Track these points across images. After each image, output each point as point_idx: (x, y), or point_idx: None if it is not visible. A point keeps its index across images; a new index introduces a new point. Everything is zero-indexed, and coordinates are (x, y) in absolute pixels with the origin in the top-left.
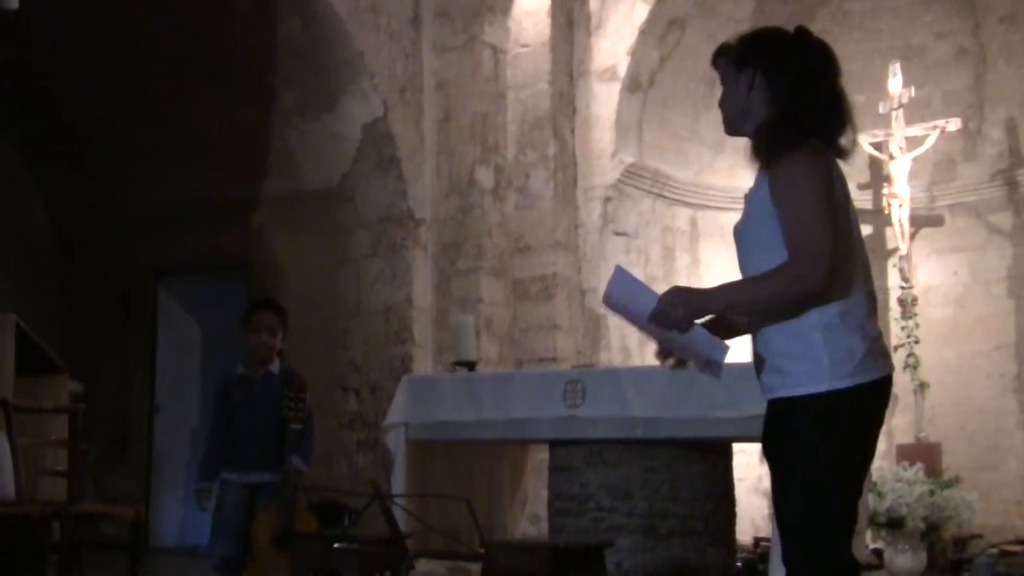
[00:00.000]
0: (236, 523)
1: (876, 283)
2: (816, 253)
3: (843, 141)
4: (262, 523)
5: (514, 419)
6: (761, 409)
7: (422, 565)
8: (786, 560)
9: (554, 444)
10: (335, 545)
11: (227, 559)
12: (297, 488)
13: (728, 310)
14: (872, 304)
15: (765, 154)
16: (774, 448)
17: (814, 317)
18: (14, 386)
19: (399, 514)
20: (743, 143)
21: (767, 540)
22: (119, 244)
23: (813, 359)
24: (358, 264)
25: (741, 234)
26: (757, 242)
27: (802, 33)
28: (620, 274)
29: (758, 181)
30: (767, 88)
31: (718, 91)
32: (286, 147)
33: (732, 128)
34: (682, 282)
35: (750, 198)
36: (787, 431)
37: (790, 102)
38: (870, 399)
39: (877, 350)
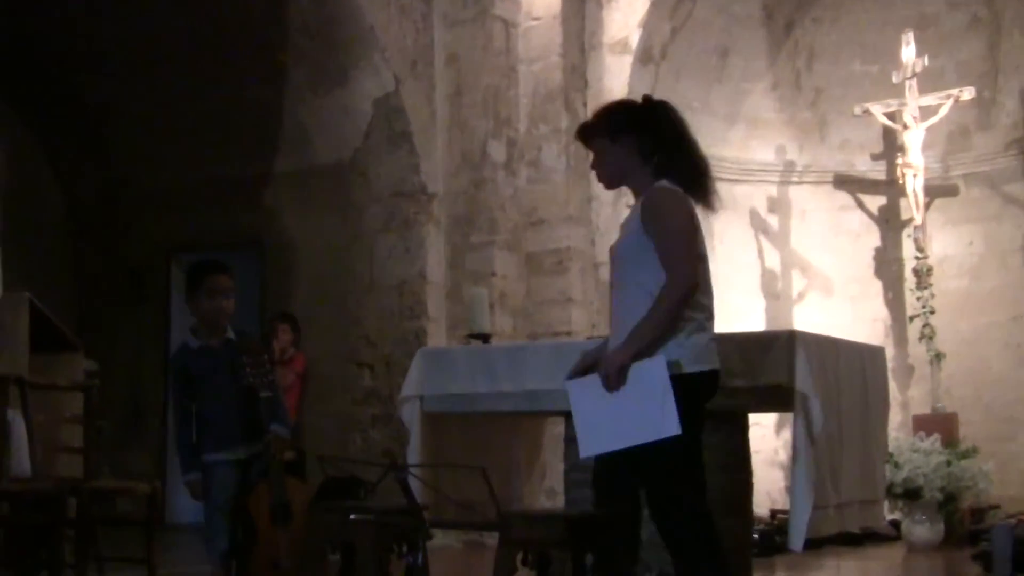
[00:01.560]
0: (231, 509)
1: (891, 254)
2: (686, 272)
3: (703, 181)
4: (260, 500)
5: (529, 391)
6: (777, 378)
7: (437, 539)
8: None
9: (570, 415)
10: (351, 516)
11: (226, 554)
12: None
13: (650, 343)
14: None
15: (639, 194)
16: None
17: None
18: (29, 364)
19: (415, 486)
20: (757, 115)
21: (784, 512)
22: (132, 222)
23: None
24: (371, 239)
25: (620, 255)
26: (634, 262)
27: (654, 101)
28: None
29: (636, 213)
30: (638, 149)
31: (730, 62)
32: (298, 123)
33: (613, 185)
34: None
35: (628, 225)
36: None
37: (658, 156)
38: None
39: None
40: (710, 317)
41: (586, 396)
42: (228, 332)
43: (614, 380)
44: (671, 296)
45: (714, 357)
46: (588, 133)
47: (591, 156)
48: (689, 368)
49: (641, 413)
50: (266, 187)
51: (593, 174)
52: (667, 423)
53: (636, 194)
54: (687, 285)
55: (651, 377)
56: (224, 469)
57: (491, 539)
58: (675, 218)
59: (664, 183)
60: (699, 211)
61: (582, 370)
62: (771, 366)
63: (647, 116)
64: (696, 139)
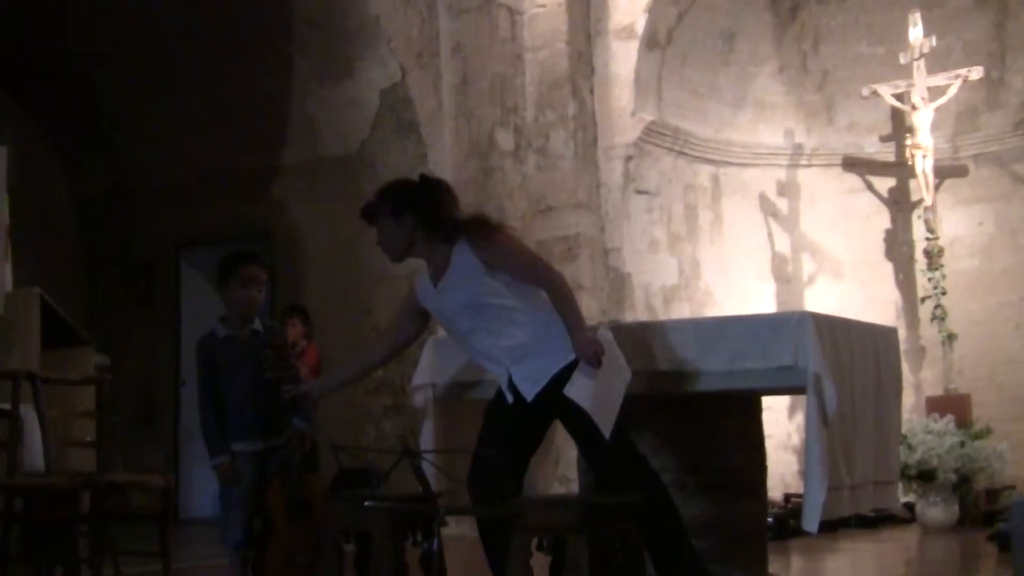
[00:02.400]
0: (248, 500)
1: (902, 235)
2: (555, 273)
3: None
4: (277, 494)
5: None
6: (789, 359)
7: (452, 528)
8: None
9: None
10: (365, 504)
11: (240, 544)
12: (305, 452)
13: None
14: None
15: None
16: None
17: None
18: (40, 360)
19: (429, 474)
20: (765, 98)
21: (798, 496)
22: (141, 216)
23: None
24: None
25: (466, 306)
26: (487, 301)
27: (426, 179)
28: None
29: (463, 266)
30: (422, 220)
31: (736, 46)
32: (305, 115)
33: (400, 257)
34: (705, 239)
35: (455, 280)
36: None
37: (440, 220)
38: None
39: None
40: None
41: (584, 390)
42: (255, 324)
43: (600, 356)
44: (564, 289)
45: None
46: (371, 212)
47: (600, 140)
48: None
49: (617, 369)
50: (275, 179)
51: (602, 156)
52: (625, 368)
53: (429, 261)
54: (563, 279)
55: (608, 343)
56: (242, 460)
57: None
58: (513, 243)
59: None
60: (707, 198)
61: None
62: (783, 347)
63: (424, 192)
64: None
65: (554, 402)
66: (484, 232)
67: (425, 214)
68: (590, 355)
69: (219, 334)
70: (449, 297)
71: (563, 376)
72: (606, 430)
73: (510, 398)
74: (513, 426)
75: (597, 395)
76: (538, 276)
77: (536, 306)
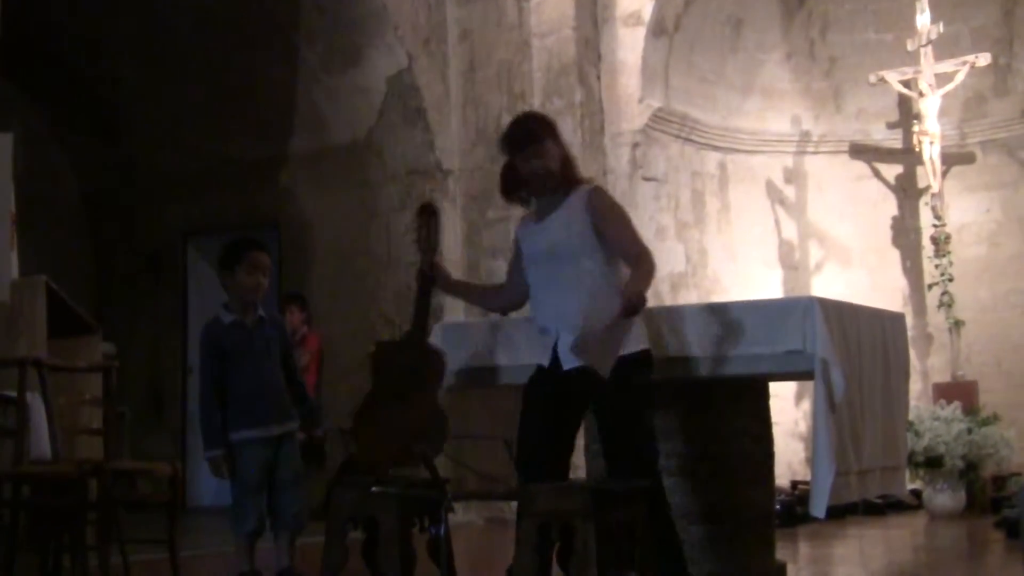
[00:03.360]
0: (264, 482)
1: (909, 222)
2: (648, 252)
3: None
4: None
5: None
6: (797, 345)
7: (459, 516)
8: None
9: None
10: (372, 490)
11: (253, 532)
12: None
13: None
14: None
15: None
16: None
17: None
18: (47, 348)
19: (437, 460)
20: (772, 85)
21: (805, 483)
22: (148, 205)
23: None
24: (387, 217)
25: (568, 248)
26: (582, 253)
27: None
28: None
29: (566, 209)
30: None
31: (744, 33)
32: (312, 103)
33: (552, 183)
34: (712, 226)
35: (562, 219)
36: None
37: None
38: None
39: None
40: None
41: (592, 345)
42: (260, 310)
43: (638, 308)
44: (651, 267)
45: None
46: (534, 134)
47: (607, 127)
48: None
49: (635, 335)
50: (282, 168)
51: (609, 142)
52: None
53: (542, 197)
54: (653, 262)
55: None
56: (255, 447)
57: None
58: (623, 209)
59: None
60: (714, 185)
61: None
62: (791, 333)
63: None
64: None
65: (589, 382)
66: (603, 191)
67: (565, 148)
68: (635, 300)
69: (225, 321)
70: (544, 235)
71: (616, 364)
72: (603, 372)
73: (546, 363)
74: (553, 407)
75: (603, 348)
76: (636, 248)
77: (613, 286)
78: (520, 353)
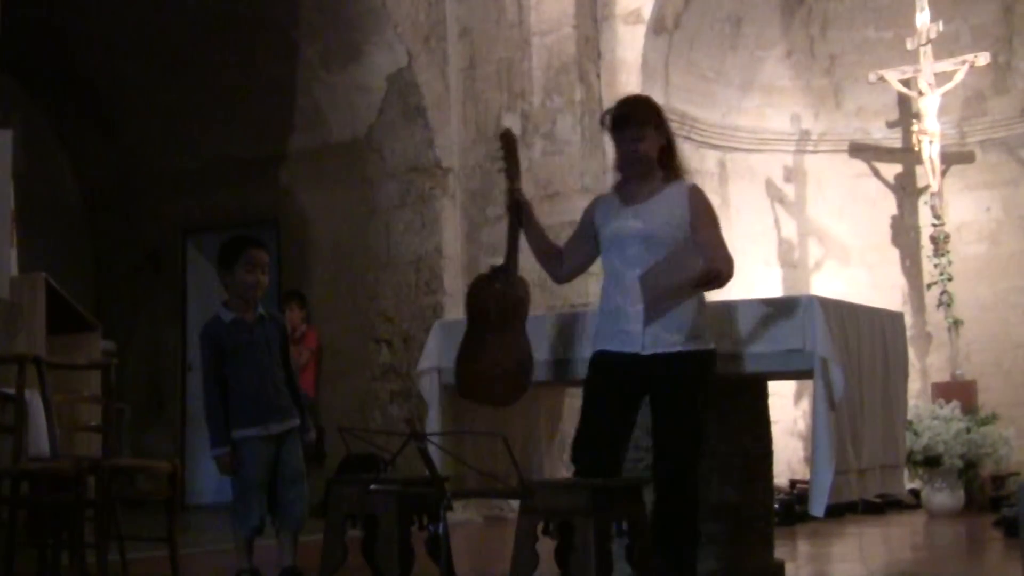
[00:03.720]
0: (266, 479)
1: (908, 221)
2: (729, 262)
3: None
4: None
5: (548, 360)
6: (797, 343)
7: (458, 514)
8: None
9: None
10: (371, 487)
11: (255, 530)
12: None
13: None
14: None
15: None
16: None
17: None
18: (46, 345)
19: (436, 457)
20: (772, 83)
21: (804, 482)
22: (147, 202)
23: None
24: (387, 215)
25: (657, 236)
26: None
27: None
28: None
29: (665, 198)
30: (664, 142)
31: (744, 31)
32: (311, 100)
33: (642, 171)
34: None
35: (660, 207)
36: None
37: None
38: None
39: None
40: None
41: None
42: (260, 308)
43: (710, 281)
44: (727, 271)
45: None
46: (634, 117)
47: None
48: (709, 346)
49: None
50: (281, 165)
51: (609, 141)
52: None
53: (635, 182)
54: (729, 274)
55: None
56: (257, 444)
57: (512, 513)
58: (713, 210)
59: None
60: (714, 183)
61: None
62: (791, 331)
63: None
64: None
65: (658, 372)
66: (701, 191)
67: (671, 136)
68: (714, 271)
69: (225, 318)
70: (638, 220)
71: (686, 356)
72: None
73: (615, 348)
74: (619, 396)
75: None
76: (721, 252)
77: None
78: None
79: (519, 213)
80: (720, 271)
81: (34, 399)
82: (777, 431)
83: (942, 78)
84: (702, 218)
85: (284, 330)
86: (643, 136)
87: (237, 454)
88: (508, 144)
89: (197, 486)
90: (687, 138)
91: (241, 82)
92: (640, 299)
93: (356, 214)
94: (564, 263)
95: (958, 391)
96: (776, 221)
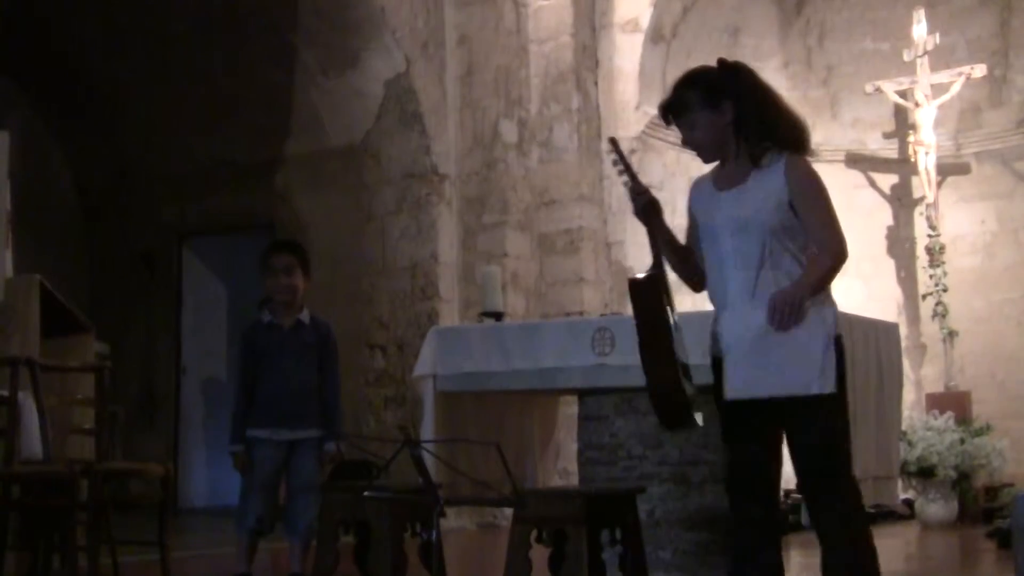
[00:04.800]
0: (270, 482)
1: (903, 232)
2: (839, 244)
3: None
4: None
5: (543, 368)
6: None
7: (451, 521)
8: None
9: (584, 393)
10: (365, 494)
11: (261, 518)
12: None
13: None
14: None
15: (758, 159)
16: None
17: None
18: (40, 347)
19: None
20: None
21: (798, 493)
22: (142, 205)
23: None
24: (383, 221)
25: (752, 224)
26: (782, 231)
27: (730, 63)
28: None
29: (761, 179)
30: (740, 115)
31: (742, 41)
32: (309, 105)
33: (713, 156)
34: None
35: (756, 190)
36: None
37: (762, 117)
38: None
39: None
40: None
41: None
42: (304, 315)
43: (787, 317)
44: (822, 266)
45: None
46: (676, 106)
47: (604, 133)
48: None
49: (802, 361)
50: (278, 170)
51: (606, 149)
52: (827, 377)
53: (723, 164)
54: (840, 257)
55: (819, 323)
56: (264, 447)
57: (505, 521)
58: (820, 186)
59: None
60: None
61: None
62: None
63: (737, 78)
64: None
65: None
66: (799, 160)
67: (745, 107)
68: (779, 307)
69: (264, 320)
70: (733, 207)
71: None
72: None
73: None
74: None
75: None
76: (824, 233)
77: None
78: (513, 359)
79: (654, 213)
80: (829, 265)
81: (27, 401)
82: None
83: (938, 90)
84: (802, 197)
85: (327, 338)
86: (693, 123)
87: (249, 454)
88: (618, 148)
89: (190, 490)
90: (684, 147)
91: (239, 86)
92: (735, 294)
93: (352, 219)
94: (698, 267)
95: (952, 402)
96: None
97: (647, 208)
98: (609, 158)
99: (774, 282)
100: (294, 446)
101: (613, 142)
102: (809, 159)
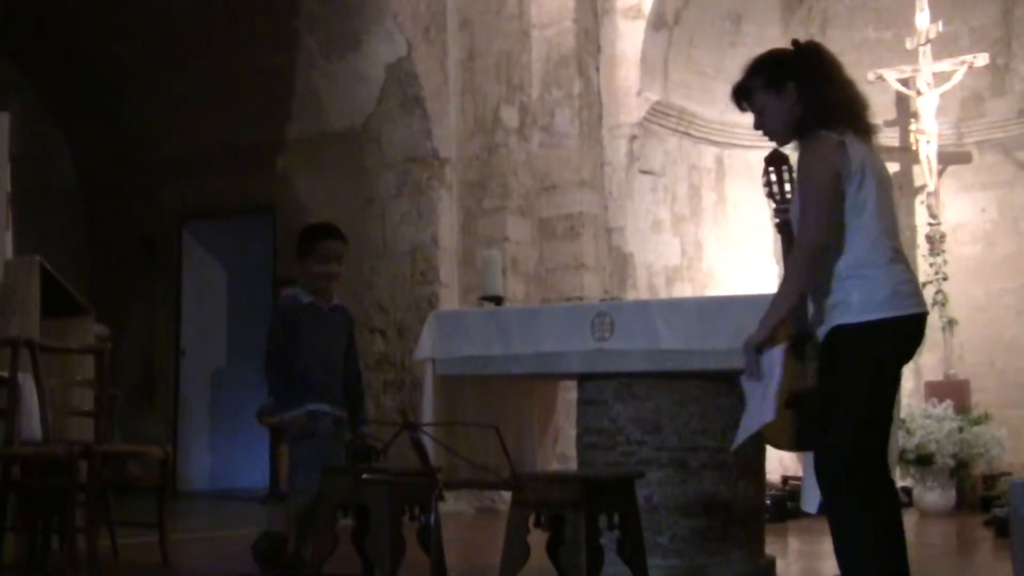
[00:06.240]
0: (328, 456)
1: (903, 220)
2: (809, 232)
3: (865, 118)
4: None
5: (542, 353)
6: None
7: (450, 505)
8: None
9: (583, 378)
10: (363, 477)
11: (300, 516)
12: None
13: (788, 315)
14: (894, 253)
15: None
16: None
17: (838, 268)
18: (40, 328)
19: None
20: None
21: (796, 479)
22: (143, 188)
23: (844, 301)
24: (383, 205)
25: (794, 218)
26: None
27: (800, 43)
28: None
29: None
30: (801, 96)
31: (743, 28)
32: (310, 88)
33: (787, 139)
34: (708, 220)
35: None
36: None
37: (817, 100)
38: (893, 334)
39: (903, 292)
40: (895, 260)
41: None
42: (335, 299)
43: (749, 371)
44: (793, 261)
45: (904, 301)
46: (744, 91)
47: (605, 119)
48: (854, 319)
49: (757, 400)
50: (279, 153)
51: (607, 134)
52: (765, 411)
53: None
54: (810, 246)
55: (769, 361)
56: (326, 420)
57: (503, 505)
58: (811, 172)
59: (819, 132)
60: (711, 179)
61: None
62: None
63: (804, 60)
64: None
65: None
66: (807, 144)
67: (807, 84)
68: (745, 356)
69: (303, 300)
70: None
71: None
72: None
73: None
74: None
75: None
76: (801, 223)
77: (837, 269)
78: (512, 344)
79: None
80: (792, 262)
81: (27, 383)
82: None
83: (940, 78)
84: (798, 185)
85: (352, 325)
86: (760, 107)
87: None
88: (779, 165)
89: (188, 473)
90: (685, 133)
91: (240, 69)
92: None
93: (353, 203)
94: None
95: (951, 391)
96: (773, 218)
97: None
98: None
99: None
100: (339, 425)
101: (779, 155)
102: (872, 138)
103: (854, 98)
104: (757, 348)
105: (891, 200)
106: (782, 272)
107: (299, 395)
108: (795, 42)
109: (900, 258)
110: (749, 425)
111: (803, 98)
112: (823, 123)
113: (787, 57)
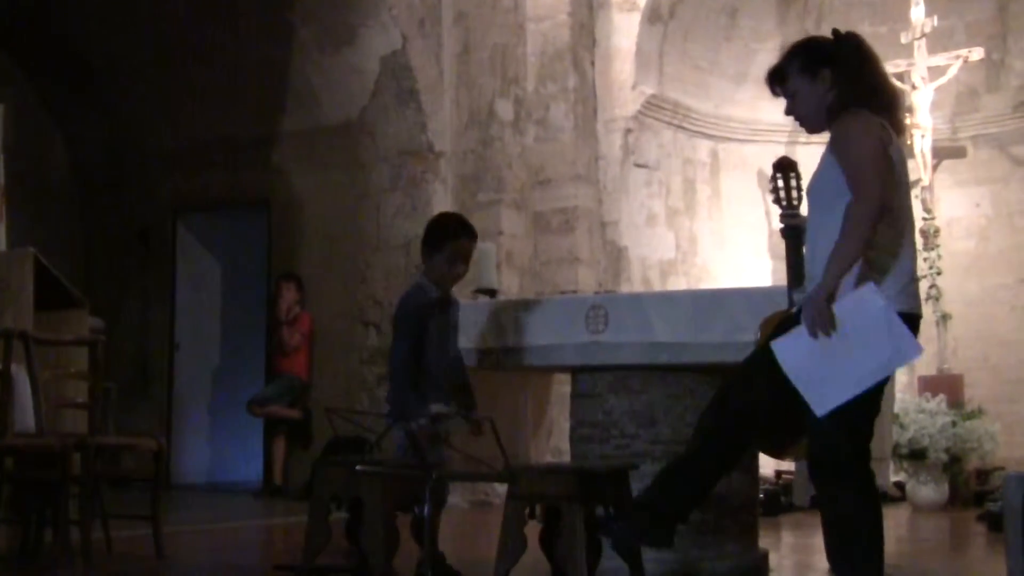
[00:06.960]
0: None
1: None
2: (872, 190)
3: (896, 114)
4: None
5: (536, 346)
6: None
7: None
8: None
9: (577, 371)
10: (357, 469)
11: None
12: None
13: (846, 271)
14: (913, 251)
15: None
16: None
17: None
18: (34, 320)
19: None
20: (765, 75)
21: (789, 473)
22: (138, 181)
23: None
24: (378, 198)
25: (811, 192)
26: (828, 197)
27: (841, 32)
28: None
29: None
30: (839, 80)
31: (739, 22)
32: (305, 82)
33: (818, 126)
34: (703, 214)
35: (821, 161)
36: None
37: (851, 88)
38: None
39: (911, 291)
40: (913, 258)
41: (798, 352)
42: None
43: (821, 324)
44: (857, 215)
45: (912, 300)
46: (779, 75)
47: (600, 113)
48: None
49: (870, 348)
50: (273, 146)
51: (602, 128)
52: (906, 347)
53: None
54: (874, 203)
55: (865, 307)
56: (447, 423)
57: (498, 499)
58: (861, 141)
59: (861, 110)
60: (706, 173)
61: (782, 324)
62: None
63: (841, 48)
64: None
65: None
66: (846, 118)
67: (843, 72)
68: (811, 318)
69: (432, 295)
70: (812, 177)
71: None
72: (817, 408)
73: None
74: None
75: (807, 367)
76: (855, 190)
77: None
78: (507, 337)
79: (798, 239)
80: (856, 217)
81: (20, 374)
82: None
83: (935, 73)
84: (840, 154)
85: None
86: (793, 92)
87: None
88: (787, 171)
89: (182, 466)
90: (680, 127)
91: (235, 62)
92: (811, 278)
93: (347, 197)
94: None
95: (945, 385)
96: (767, 213)
97: (796, 232)
98: (769, 183)
99: (820, 261)
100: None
101: (787, 162)
102: (901, 137)
103: (892, 92)
104: (829, 298)
105: (910, 204)
106: (839, 238)
107: (421, 397)
108: (835, 31)
109: (915, 257)
110: (885, 368)
111: (838, 84)
112: (863, 106)
113: (826, 45)
